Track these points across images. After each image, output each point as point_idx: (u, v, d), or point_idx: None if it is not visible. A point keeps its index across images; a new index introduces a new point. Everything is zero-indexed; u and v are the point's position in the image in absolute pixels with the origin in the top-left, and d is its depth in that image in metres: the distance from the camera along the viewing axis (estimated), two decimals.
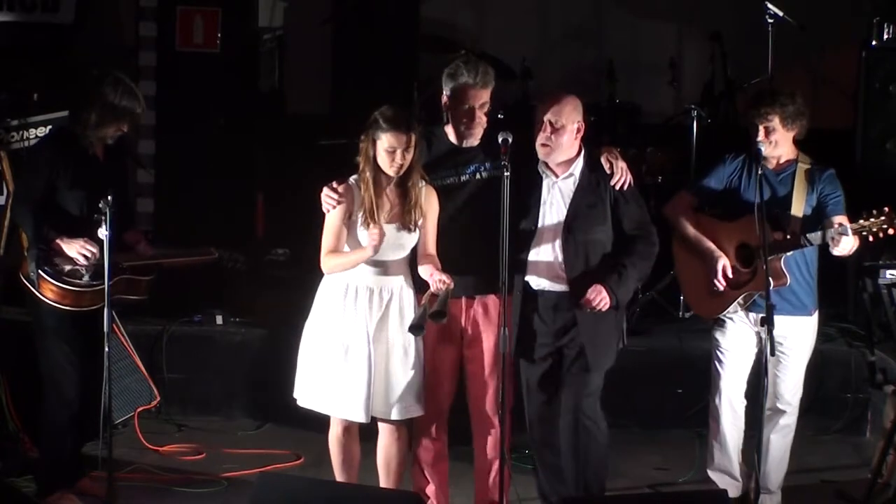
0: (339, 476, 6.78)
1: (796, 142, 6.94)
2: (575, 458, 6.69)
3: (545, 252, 6.63)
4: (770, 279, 6.57)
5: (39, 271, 6.82)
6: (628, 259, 6.60)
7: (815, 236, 6.69)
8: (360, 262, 6.56)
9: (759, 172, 6.67)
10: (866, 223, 6.63)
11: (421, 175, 6.58)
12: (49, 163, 6.90)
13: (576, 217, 6.61)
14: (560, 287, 6.62)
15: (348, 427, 6.70)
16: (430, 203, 6.62)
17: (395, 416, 6.64)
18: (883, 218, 6.61)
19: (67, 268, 6.84)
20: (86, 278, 6.84)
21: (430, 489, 6.93)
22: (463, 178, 6.73)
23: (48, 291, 6.85)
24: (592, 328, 6.61)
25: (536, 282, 6.66)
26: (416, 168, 6.56)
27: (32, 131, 8.04)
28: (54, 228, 6.83)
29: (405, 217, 6.56)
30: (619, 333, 6.74)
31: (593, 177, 6.64)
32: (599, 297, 6.54)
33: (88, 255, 6.80)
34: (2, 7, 9.41)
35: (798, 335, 6.91)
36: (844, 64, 9.42)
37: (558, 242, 6.61)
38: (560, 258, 6.61)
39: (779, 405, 6.96)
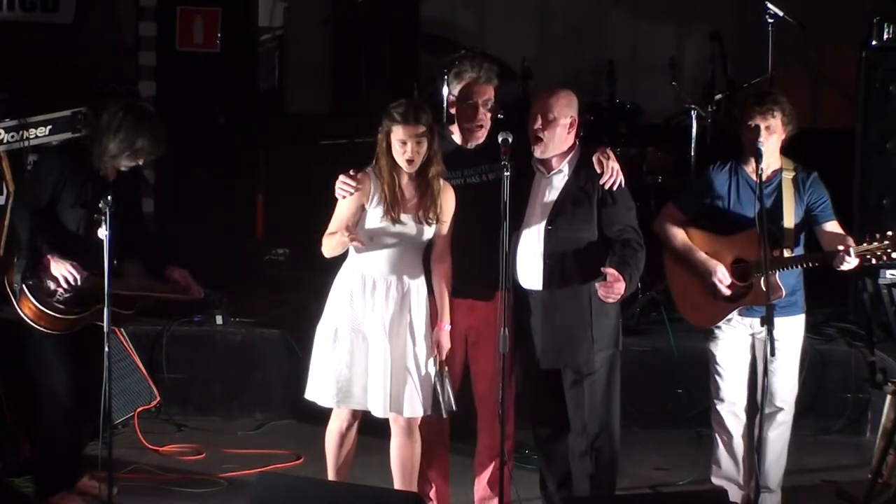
0: (332, 472, 6.72)
1: (781, 150, 6.93)
2: (589, 481, 6.70)
3: (531, 249, 6.60)
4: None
5: (24, 285, 6.78)
6: (630, 258, 6.48)
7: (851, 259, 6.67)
8: (344, 244, 6.47)
9: (760, 174, 6.67)
10: (870, 247, 6.64)
11: (441, 170, 6.55)
12: (58, 174, 6.86)
13: (559, 213, 6.57)
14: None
15: (350, 422, 6.66)
16: (448, 201, 6.57)
17: (416, 412, 6.57)
18: (886, 242, 6.63)
19: (52, 287, 6.79)
20: (59, 303, 6.80)
21: (431, 489, 6.93)
22: (469, 179, 6.73)
23: (27, 308, 6.81)
24: (549, 324, 6.57)
25: (524, 279, 6.64)
26: (434, 161, 6.51)
27: (32, 131, 8.02)
28: (46, 241, 6.80)
29: (423, 210, 6.51)
30: (589, 330, 6.60)
31: (583, 175, 6.60)
32: (618, 284, 6.40)
33: (71, 280, 6.75)
34: (1, 7, 9.41)
35: (789, 333, 6.90)
36: (844, 64, 9.41)
37: (542, 238, 6.58)
38: (541, 254, 6.58)
39: (775, 403, 6.95)
